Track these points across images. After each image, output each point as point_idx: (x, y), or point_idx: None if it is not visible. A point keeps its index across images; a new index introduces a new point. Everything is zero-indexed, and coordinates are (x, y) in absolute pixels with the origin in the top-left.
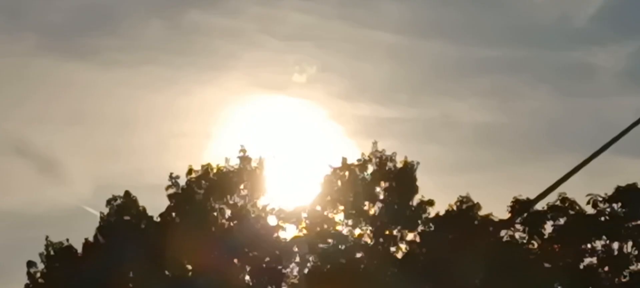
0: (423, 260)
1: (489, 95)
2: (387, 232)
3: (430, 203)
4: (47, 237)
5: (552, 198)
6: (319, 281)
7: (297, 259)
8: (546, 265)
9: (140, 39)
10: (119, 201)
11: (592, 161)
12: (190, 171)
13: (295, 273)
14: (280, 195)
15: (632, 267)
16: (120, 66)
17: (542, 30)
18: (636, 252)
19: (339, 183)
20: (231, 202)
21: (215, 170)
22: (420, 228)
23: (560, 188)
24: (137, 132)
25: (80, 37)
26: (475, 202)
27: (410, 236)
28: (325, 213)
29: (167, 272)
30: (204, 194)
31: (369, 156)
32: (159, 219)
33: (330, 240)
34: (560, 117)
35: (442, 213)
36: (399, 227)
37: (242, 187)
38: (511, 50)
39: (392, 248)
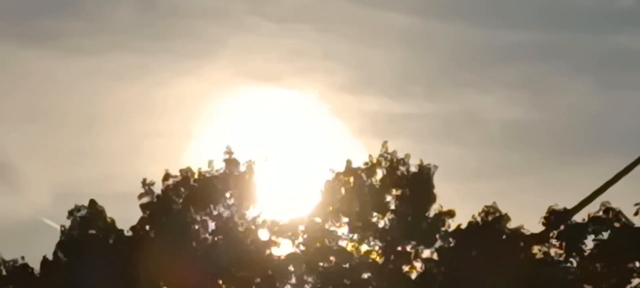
0: (441, 280)
1: (518, 88)
2: (399, 249)
3: (450, 214)
4: None
5: (593, 208)
6: None
7: (293, 280)
8: (587, 287)
9: (108, 21)
10: (83, 212)
11: None
12: (166, 177)
13: None
14: (273, 205)
15: None
16: (85, 54)
17: (581, 10)
18: None
19: (343, 190)
20: (215, 212)
21: (196, 176)
22: (438, 243)
23: (603, 197)
24: (105, 132)
25: (37, 20)
26: (503, 212)
27: (426, 253)
28: (327, 226)
29: None
30: (183, 204)
31: (377, 159)
32: (130, 233)
33: (332, 258)
34: (603, 112)
35: (464, 225)
36: (413, 243)
37: (228, 195)
38: (545, 34)
39: (405, 267)
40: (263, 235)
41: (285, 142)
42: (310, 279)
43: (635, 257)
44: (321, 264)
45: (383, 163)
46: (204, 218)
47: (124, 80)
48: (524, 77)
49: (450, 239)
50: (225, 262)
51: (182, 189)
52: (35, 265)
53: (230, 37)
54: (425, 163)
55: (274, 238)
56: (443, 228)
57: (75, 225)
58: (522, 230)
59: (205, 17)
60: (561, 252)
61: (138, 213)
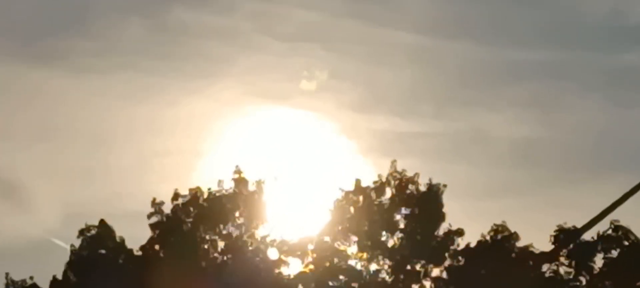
0: None
1: (527, 106)
2: (408, 267)
3: (460, 233)
4: (7, 275)
5: (602, 226)
6: None
7: None
8: None
9: (117, 41)
10: (92, 232)
11: None
12: (176, 196)
13: None
14: (283, 224)
15: None
16: (95, 73)
17: (590, 29)
18: None
19: (352, 209)
20: (225, 232)
21: (205, 195)
22: (447, 262)
23: (613, 215)
24: (115, 151)
25: (47, 40)
26: (513, 231)
27: (436, 271)
28: (336, 245)
29: None
30: (193, 223)
31: (387, 177)
32: (139, 253)
33: (341, 277)
34: (612, 130)
35: (473, 244)
36: (422, 262)
37: (237, 214)
38: (554, 52)
39: (415, 286)
40: (272, 254)
41: (294, 161)
42: None
43: None
44: (331, 283)
45: (392, 182)
46: (213, 237)
47: (133, 100)
48: (533, 96)
49: (460, 258)
50: (235, 281)
51: (192, 209)
52: (45, 285)
53: (239, 57)
54: (434, 182)
55: (283, 257)
56: (452, 247)
57: (85, 244)
58: (531, 249)
59: (215, 37)
60: (570, 270)
61: (148, 233)
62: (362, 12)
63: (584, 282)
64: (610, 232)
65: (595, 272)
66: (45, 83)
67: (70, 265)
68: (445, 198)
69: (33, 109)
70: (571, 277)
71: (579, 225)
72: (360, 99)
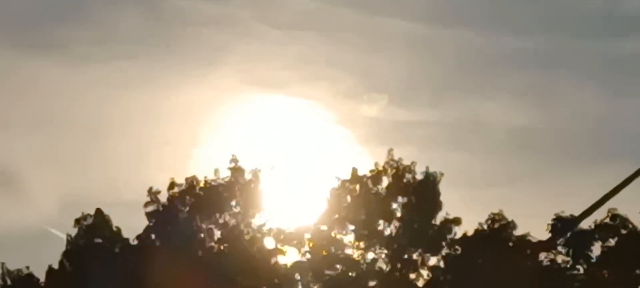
0: None
1: (524, 94)
2: (405, 256)
3: (457, 221)
4: (3, 264)
5: (600, 214)
6: None
7: None
8: None
9: (115, 30)
10: (89, 220)
11: None
12: (172, 185)
13: None
14: (279, 213)
15: None
16: (92, 62)
17: (586, 16)
18: None
19: (349, 198)
20: (221, 221)
21: (202, 184)
22: (444, 251)
23: (610, 203)
24: (111, 139)
25: (44, 28)
26: (510, 219)
27: (433, 260)
28: (333, 234)
29: None
30: (189, 212)
31: (383, 166)
32: (136, 242)
33: (338, 266)
34: (609, 118)
35: (470, 233)
36: (419, 250)
37: (234, 203)
38: (551, 40)
39: (412, 275)
40: (269, 243)
41: (291, 149)
42: (316, 287)
43: None
44: (327, 272)
45: (389, 171)
46: (209, 226)
47: (130, 88)
48: (530, 84)
49: (457, 247)
50: (231, 270)
51: (188, 197)
52: (41, 275)
53: (236, 45)
54: (431, 170)
55: (280, 246)
56: (449, 236)
57: (81, 233)
58: (528, 238)
59: (212, 25)
60: (568, 259)
61: (144, 222)
62: (359, 0)
63: (581, 271)
64: (607, 220)
65: (592, 260)
66: (42, 71)
67: (66, 254)
68: (443, 187)
69: (30, 98)
70: (568, 265)
71: (576, 214)
72: (357, 87)
